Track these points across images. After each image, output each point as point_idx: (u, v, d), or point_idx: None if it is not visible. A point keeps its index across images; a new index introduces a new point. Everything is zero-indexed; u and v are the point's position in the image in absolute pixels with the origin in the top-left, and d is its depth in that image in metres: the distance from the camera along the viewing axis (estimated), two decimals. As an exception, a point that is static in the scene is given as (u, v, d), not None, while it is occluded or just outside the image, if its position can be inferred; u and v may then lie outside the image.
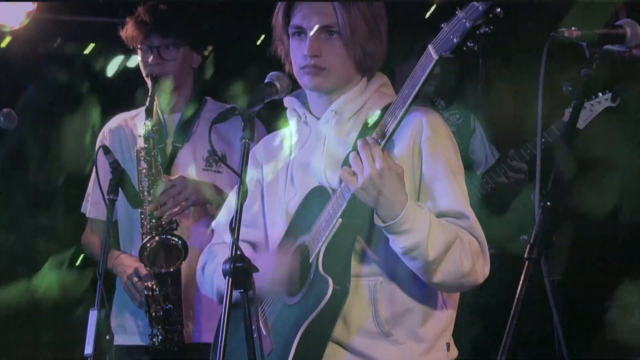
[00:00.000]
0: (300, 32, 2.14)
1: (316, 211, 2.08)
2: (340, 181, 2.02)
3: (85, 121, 3.68)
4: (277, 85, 2.04)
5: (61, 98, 3.98)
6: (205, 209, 3.05)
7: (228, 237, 2.25)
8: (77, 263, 3.68)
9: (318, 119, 2.22)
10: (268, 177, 2.30)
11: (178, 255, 2.95)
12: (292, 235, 2.14)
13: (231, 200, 2.39)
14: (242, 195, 1.85)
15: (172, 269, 2.95)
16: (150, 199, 2.96)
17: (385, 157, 1.93)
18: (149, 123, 2.99)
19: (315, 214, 2.08)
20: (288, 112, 2.29)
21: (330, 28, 2.11)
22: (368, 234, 2.06)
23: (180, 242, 2.95)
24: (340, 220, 2.01)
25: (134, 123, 3.17)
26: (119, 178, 2.61)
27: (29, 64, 3.88)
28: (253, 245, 2.26)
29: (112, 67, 3.74)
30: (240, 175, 1.88)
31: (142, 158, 2.99)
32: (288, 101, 2.27)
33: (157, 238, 2.95)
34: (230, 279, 1.80)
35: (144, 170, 3.00)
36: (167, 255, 2.95)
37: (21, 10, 3.35)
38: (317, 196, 2.10)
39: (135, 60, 3.18)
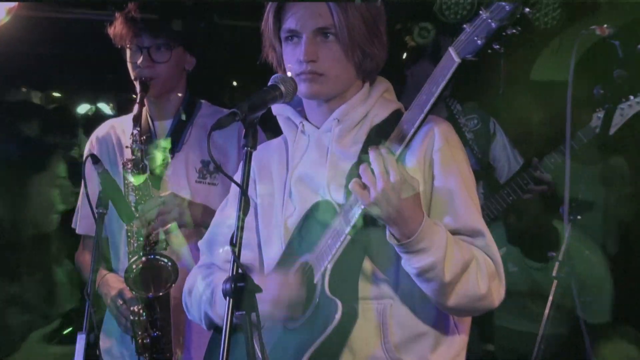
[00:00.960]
0: (294, 36, 2.19)
1: (320, 228, 2.12)
2: (346, 195, 2.07)
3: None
4: (282, 88, 2.08)
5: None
6: (199, 228, 3.09)
7: (217, 257, 2.35)
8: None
9: (318, 128, 2.26)
10: (262, 192, 2.33)
11: (167, 278, 2.99)
12: (292, 255, 2.18)
13: (219, 216, 2.42)
14: (245, 209, 1.89)
15: (160, 293, 3.00)
16: (137, 215, 3.01)
17: (401, 169, 1.97)
18: (136, 132, 3.03)
19: (319, 231, 2.12)
20: (281, 121, 2.33)
21: (326, 30, 2.15)
22: (378, 252, 2.11)
23: (169, 263, 2.99)
24: (348, 237, 2.07)
25: (123, 130, 3.23)
26: (109, 190, 2.66)
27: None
28: (246, 268, 2.27)
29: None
30: (242, 187, 1.92)
31: (129, 170, 3.04)
32: (278, 109, 2.29)
33: (144, 259, 2.99)
34: (231, 300, 1.84)
35: (131, 184, 3.05)
36: (155, 277, 3.00)
37: (1, 6, 3.41)
38: (321, 212, 2.14)
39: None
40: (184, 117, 3.23)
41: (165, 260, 3.00)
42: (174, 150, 3.17)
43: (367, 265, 2.12)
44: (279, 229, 2.24)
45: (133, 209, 3.03)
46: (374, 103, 2.24)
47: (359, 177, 2.01)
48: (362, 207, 2.03)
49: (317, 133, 2.26)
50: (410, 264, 2.02)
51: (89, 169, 2.74)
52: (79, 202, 3.34)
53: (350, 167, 2.10)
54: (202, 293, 2.28)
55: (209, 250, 2.40)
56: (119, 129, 3.26)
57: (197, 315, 2.33)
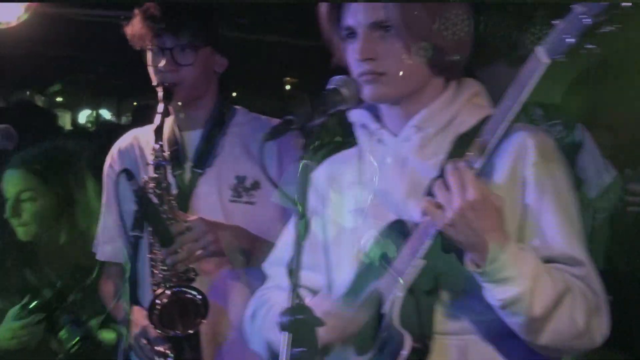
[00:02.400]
0: (351, 33, 2.28)
1: (392, 250, 2.20)
2: (424, 214, 2.12)
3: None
4: (344, 92, 2.17)
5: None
6: (235, 254, 3.21)
7: (283, 280, 2.40)
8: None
9: (396, 136, 2.33)
10: (333, 210, 2.42)
11: (197, 314, 3.06)
12: (364, 280, 2.25)
13: (287, 235, 2.52)
14: (303, 230, 1.98)
15: (189, 331, 3.07)
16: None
17: (481, 185, 2.02)
18: (158, 147, 3.11)
19: (392, 255, 2.20)
20: (356, 129, 2.41)
21: (384, 23, 2.23)
22: (457, 280, 2.16)
23: (199, 296, 3.06)
24: (422, 262, 2.14)
25: (147, 142, 3.30)
26: (146, 210, 2.76)
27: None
28: (314, 293, 2.39)
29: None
30: (299, 205, 2.00)
31: (152, 191, 3.09)
32: (356, 115, 2.38)
33: (169, 292, 3.06)
34: (290, 335, 1.92)
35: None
36: (183, 313, 3.07)
37: (19, 3, 3.55)
38: (395, 232, 2.21)
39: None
40: (214, 126, 3.33)
41: (194, 293, 3.07)
42: (204, 165, 3.27)
43: (445, 295, 2.19)
44: (351, 251, 2.32)
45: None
46: (460, 108, 2.31)
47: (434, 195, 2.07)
48: (437, 229, 2.09)
49: (395, 142, 2.33)
50: (493, 295, 2.07)
51: (121, 185, 2.85)
52: (101, 224, 3.46)
53: (431, 182, 2.15)
54: (264, 320, 2.38)
55: (275, 273, 2.49)
56: (143, 140, 3.36)
57: (258, 345, 2.42)
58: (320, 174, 2.51)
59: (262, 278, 3.02)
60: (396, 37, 2.22)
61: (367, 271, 2.27)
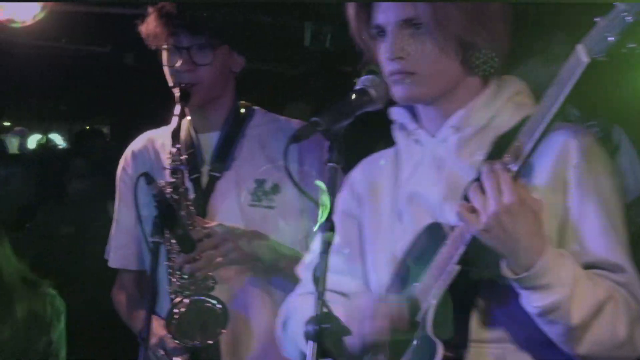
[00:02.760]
0: (381, 31, 2.31)
1: (429, 255, 2.20)
2: (459, 219, 2.14)
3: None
4: (372, 92, 2.18)
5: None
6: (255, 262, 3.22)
7: (308, 287, 2.47)
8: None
9: (433, 136, 2.35)
10: (369, 212, 2.45)
11: (217, 324, 3.09)
12: (400, 286, 2.28)
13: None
14: (329, 236, 2.01)
15: (209, 342, 3.10)
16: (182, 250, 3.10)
17: (518, 188, 2.02)
18: (175, 150, 3.14)
19: (428, 259, 2.20)
20: (394, 128, 2.44)
21: (414, 21, 2.25)
22: (494, 287, 2.17)
23: (219, 305, 3.08)
24: (457, 267, 2.15)
25: (162, 144, 3.35)
26: (166, 215, 2.76)
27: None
28: (348, 297, 2.41)
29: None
30: (325, 210, 2.04)
31: (169, 196, 3.10)
32: (395, 113, 2.41)
33: (187, 301, 3.08)
34: (316, 345, 1.95)
35: None
36: (203, 323, 3.09)
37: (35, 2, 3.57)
38: (432, 236, 2.23)
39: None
40: (232, 127, 3.36)
41: (214, 302, 3.10)
42: (222, 168, 3.30)
43: (482, 302, 2.20)
44: (387, 255, 2.35)
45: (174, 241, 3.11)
46: (501, 107, 2.32)
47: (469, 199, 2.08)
48: (472, 234, 2.09)
49: (432, 143, 2.36)
50: (531, 302, 2.08)
51: (140, 189, 2.85)
52: (113, 229, 3.49)
53: (467, 185, 2.17)
54: (297, 327, 2.39)
55: (309, 277, 2.48)
56: (158, 142, 3.39)
57: (292, 353, 2.46)
58: (357, 174, 2.54)
59: (283, 286, 3.16)
60: (427, 35, 2.25)
61: (403, 277, 2.30)
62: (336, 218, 2.36)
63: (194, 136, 3.33)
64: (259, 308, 3.23)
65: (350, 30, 2.40)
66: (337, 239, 2.29)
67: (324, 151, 3.05)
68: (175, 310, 3.08)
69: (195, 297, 3.10)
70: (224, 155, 3.32)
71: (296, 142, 2.07)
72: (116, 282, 3.54)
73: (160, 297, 3.23)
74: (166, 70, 3.27)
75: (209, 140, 3.33)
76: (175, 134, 3.15)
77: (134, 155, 3.42)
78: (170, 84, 3.27)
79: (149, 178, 2.77)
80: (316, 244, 2.51)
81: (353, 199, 2.50)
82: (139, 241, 3.38)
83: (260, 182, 3.28)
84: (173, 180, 3.14)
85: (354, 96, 2.18)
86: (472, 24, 2.23)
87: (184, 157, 3.15)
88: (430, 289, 2.18)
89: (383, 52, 2.29)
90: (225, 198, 3.26)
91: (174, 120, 3.15)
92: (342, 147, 2.07)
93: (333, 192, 2.03)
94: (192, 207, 3.16)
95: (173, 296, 3.13)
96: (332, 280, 2.06)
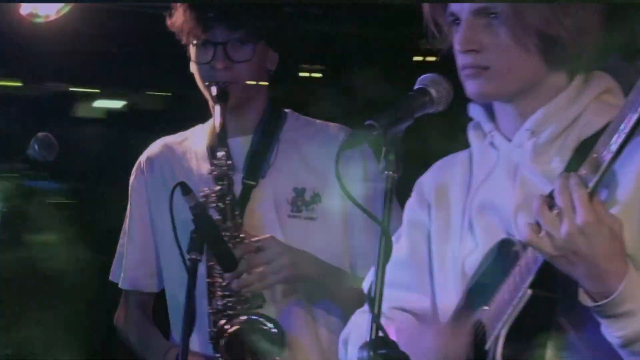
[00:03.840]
0: (455, 20, 2.22)
1: (500, 275, 2.10)
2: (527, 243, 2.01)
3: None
4: (433, 92, 2.07)
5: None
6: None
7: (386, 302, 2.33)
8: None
9: (509, 140, 2.25)
10: (438, 221, 2.36)
11: (271, 350, 2.98)
12: (469, 308, 2.18)
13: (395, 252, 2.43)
14: (386, 250, 1.92)
15: None
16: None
17: (595, 206, 1.90)
18: (222, 154, 3.04)
19: (499, 280, 2.10)
20: (469, 128, 2.35)
21: (490, 9, 2.15)
22: (571, 313, 2.06)
23: (274, 329, 2.96)
24: (529, 292, 2.03)
25: (184, 151, 3.25)
26: (206, 230, 2.66)
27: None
28: (416, 316, 2.33)
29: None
30: (382, 223, 1.93)
31: (214, 205, 3.01)
32: (472, 110, 2.32)
33: (242, 318, 2.97)
34: None
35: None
36: (254, 346, 2.98)
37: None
38: (503, 254, 2.13)
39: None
40: (266, 132, 3.23)
41: (270, 325, 2.97)
42: (257, 176, 3.16)
43: (557, 330, 2.06)
44: (455, 270, 2.27)
45: None
46: (585, 107, 2.19)
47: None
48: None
49: (508, 147, 2.24)
50: (612, 332, 1.96)
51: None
52: (124, 245, 3.33)
53: (538, 200, 2.02)
54: (354, 349, 2.26)
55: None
56: (178, 149, 3.27)
57: None
58: (427, 179, 2.46)
59: (327, 308, 3.12)
60: (503, 26, 2.14)
61: (472, 298, 2.21)
62: (403, 228, 2.42)
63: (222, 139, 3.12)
64: (303, 333, 3.13)
65: (425, 16, 2.31)
66: (404, 251, 2.35)
67: (367, 158, 3.07)
68: (227, 327, 2.96)
69: (251, 316, 2.98)
70: (259, 161, 3.19)
71: (350, 148, 1.98)
72: (121, 307, 3.38)
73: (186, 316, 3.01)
74: (197, 68, 3.15)
75: (241, 145, 3.20)
76: (222, 136, 3.04)
77: (151, 162, 3.29)
78: (201, 82, 3.13)
79: (186, 188, 2.65)
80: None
81: (422, 206, 2.42)
82: (153, 259, 3.28)
83: (299, 191, 3.16)
84: (219, 187, 3.03)
85: (412, 96, 2.07)
86: (556, 15, 2.11)
87: (231, 162, 3.04)
88: (501, 314, 2.07)
89: (456, 43, 2.20)
90: (262, 208, 3.14)
91: (218, 123, 3.03)
92: (400, 153, 1.98)
93: (389, 203, 1.95)
94: (240, 219, 3.05)
95: (213, 317, 3.03)
96: (398, 297, 2.06)
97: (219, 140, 3.04)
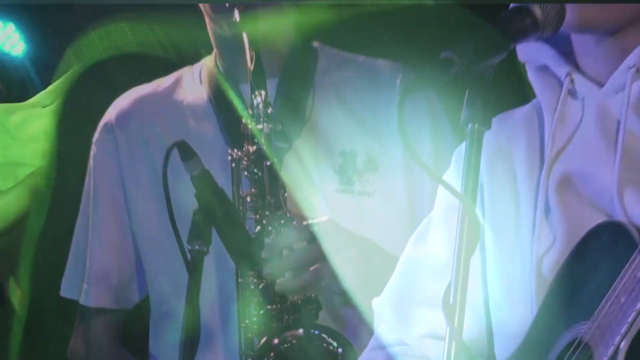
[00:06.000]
0: None
1: (603, 275, 1.84)
2: None
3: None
4: (537, 12, 1.79)
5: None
6: None
7: (412, 329, 2.14)
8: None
9: (601, 85, 1.98)
10: (494, 207, 2.08)
11: None
12: (552, 324, 1.93)
13: (413, 253, 2.17)
14: (471, 239, 1.64)
15: None
16: (263, 255, 2.53)
17: None
18: (259, 101, 2.57)
19: (601, 282, 1.84)
20: (532, 74, 2.08)
21: None
22: None
23: (339, 348, 2.55)
24: None
25: (172, 106, 2.81)
26: (215, 209, 2.30)
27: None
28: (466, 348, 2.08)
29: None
30: (464, 199, 1.66)
31: (247, 174, 2.58)
32: (528, 53, 2.05)
33: (298, 332, 2.53)
34: None
35: (249, 198, 2.57)
36: None
37: None
38: (606, 244, 1.87)
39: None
40: (298, 73, 2.75)
41: (334, 343, 2.54)
42: (288, 135, 2.73)
43: None
44: (527, 274, 1.98)
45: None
46: None
47: None
48: None
49: (600, 95, 1.97)
50: None
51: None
52: (83, 245, 2.84)
53: None
54: None
55: (396, 316, 2.14)
56: (164, 104, 2.83)
57: None
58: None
59: None
60: None
61: (558, 310, 1.93)
62: (435, 218, 2.16)
63: (233, 88, 2.75)
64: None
65: None
66: (441, 254, 2.07)
67: (434, 107, 2.67)
68: (276, 342, 2.53)
69: (312, 331, 2.55)
70: (293, 114, 2.75)
71: (416, 91, 1.68)
72: (79, 333, 2.91)
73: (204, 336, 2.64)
74: None
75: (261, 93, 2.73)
76: (259, 74, 2.56)
77: (125, 122, 2.84)
78: (214, 13, 2.68)
79: (187, 150, 2.29)
80: (411, 262, 2.16)
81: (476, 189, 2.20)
82: (132, 259, 2.81)
83: (348, 156, 2.73)
84: (254, 148, 2.58)
85: (509, 18, 1.80)
86: None
87: (270, 110, 2.59)
88: (617, 324, 1.77)
89: None
90: (298, 180, 2.71)
91: (251, 57, 2.57)
92: (490, 99, 1.72)
93: (477, 167, 1.69)
94: (284, 192, 2.60)
95: (244, 331, 2.57)
96: (429, 319, 1.93)
97: (255, 79, 2.56)
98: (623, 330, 1.75)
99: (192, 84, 2.83)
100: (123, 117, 2.84)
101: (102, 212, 2.82)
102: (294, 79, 2.76)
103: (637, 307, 1.74)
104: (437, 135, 2.68)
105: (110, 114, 2.86)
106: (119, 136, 2.82)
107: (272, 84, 2.69)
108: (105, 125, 2.85)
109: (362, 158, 2.72)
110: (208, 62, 2.84)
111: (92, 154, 2.86)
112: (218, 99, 2.74)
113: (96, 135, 2.87)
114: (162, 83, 2.87)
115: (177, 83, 2.85)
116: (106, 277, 2.81)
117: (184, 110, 2.79)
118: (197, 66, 2.86)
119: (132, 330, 2.87)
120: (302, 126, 2.73)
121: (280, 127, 2.63)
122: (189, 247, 2.27)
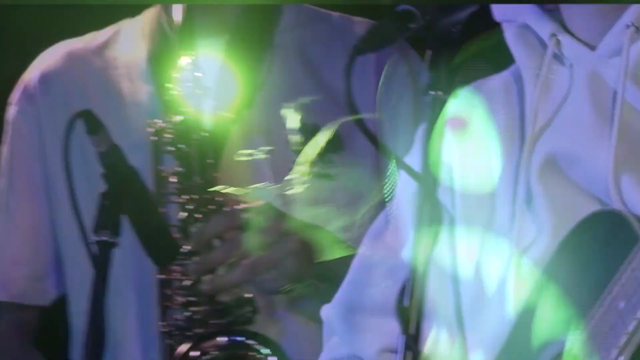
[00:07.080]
0: None
1: (596, 274, 1.78)
2: None
3: None
4: None
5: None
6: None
7: (364, 342, 2.08)
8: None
9: (593, 48, 1.91)
10: (464, 193, 2.01)
11: None
12: (536, 332, 1.84)
13: (369, 251, 2.08)
14: (434, 229, 1.57)
15: None
16: (188, 247, 2.51)
17: None
18: (187, 65, 2.49)
19: (594, 282, 1.78)
20: (510, 36, 1.99)
21: None
22: None
23: (274, 357, 2.51)
24: None
25: (105, 65, 2.72)
26: (128, 190, 2.16)
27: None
28: None
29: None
30: (422, 179, 1.58)
31: (170, 148, 2.51)
32: (506, 10, 1.97)
33: (218, 341, 2.46)
34: None
35: (172, 179, 2.50)
36: None
37: None
38: (601, 236, 1.80)
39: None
40: (252, 32, 2.63)
41: (266, 351, 2.49)
42: (234, 104, 2.64)
43: None
44: (505, 273, 1.92)
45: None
46: None
47: None
48: None
49: (591, 59, 1.92)
50: None
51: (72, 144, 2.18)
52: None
53: None
54: None
55: (348, 328, 2.06)
56: (96, 62, 2.72)
57: None
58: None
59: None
60: None
61: (538, 318, 1.87)
62: (397, 207, 2.06)
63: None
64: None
65: None
66: (397, 248, 1.96)
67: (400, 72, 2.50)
68: (194, 354, 2.43)
69: (234, 337, 2.47)
70: (241, 80, 2.66)
71: (365, 52, 1.63)
72: None
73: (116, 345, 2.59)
74: None
75: (209, 55, 2.69)
76: (186, 35, 2.49)
77: (48, 84, 2.72)
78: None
79: (93, 121, 2.07)
80: (364, 261, 2.08)
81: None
82: (50, 248, 2.68)
83: (310, 129, 2.68)
84: (180, 118, 2.49)
85: None
86: None
87: (199, 75, 2.51)
88: (616, 331, 1.71)
89: None
90: (243, 161, 2.65)
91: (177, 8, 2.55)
92: (456, 63, 1.67)
93: (439, 144, 1.62)
94: (214, 171, 2.53)
95: (168, 339, 2.49)
96: (387, 331, 1.84)
97: (181, 41, 2.50)
98: (622, 342, 1.69)
99: (130, 39, 2.73)
100: (48, 78, 2.72)
101: (17, 191, 2.71)
102: (247, 36, 2.66)
103: (637, 315, 1.69)
104: (418, 109, 2.52)
105: (33, 72, 2.73)
106: (41, 105, 2.71)
107: (220, 43, 2.63)
108: (27, 88, 2.73)
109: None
110: (151, 15, 2.73)
111: (9, 116, 2.73)
112: (158, 58, 2.63)
113: (16, 94, 2.73)
114: (96, 37, 2.76)
115: (113, 38, 2.76)
116: (19, 267, 2.70)
117: (119, 70, 2.70)
118: (138, 19, 2.75)
119: (50, 331, 2.75)
120: (254, 94, 2.61)
121: (223, 94, 2.53)
122: (95, 238, 2.12)
